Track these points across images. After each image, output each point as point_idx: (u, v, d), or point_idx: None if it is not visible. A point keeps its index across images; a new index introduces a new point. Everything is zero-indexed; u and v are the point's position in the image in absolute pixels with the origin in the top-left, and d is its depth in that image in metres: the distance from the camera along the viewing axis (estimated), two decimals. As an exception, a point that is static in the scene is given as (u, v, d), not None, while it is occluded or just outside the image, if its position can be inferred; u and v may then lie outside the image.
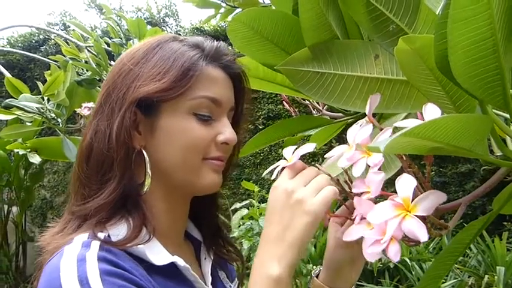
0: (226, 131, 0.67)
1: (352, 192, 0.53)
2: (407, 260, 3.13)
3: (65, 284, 0.53)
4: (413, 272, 3.09)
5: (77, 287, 0.52)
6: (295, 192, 0.56)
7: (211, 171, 0.66)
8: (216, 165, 0.67)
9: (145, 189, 0.64)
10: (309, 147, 0.60)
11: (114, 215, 0.62)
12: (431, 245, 3.40)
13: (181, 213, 0.72)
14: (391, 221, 0.43)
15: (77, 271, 0.54)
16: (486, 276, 2.86)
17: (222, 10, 2.13)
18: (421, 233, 0.41)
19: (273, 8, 0.74)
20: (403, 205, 0.43)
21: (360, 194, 0.50)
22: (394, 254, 0.43)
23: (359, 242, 0.67)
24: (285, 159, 0.60)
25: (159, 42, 0.67)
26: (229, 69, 0.69)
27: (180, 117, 0.64)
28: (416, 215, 0.42)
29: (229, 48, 0.72)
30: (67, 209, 0.67)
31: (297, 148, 0.60)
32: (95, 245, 0.58)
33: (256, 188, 3.21)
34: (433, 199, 0.43)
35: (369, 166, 0.48)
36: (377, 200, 0.48)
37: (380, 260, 3.22)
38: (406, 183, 0.44)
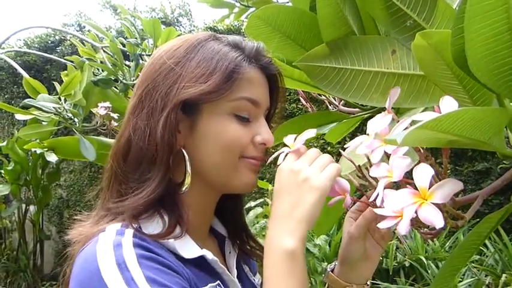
0: (263, 132, 0.67)
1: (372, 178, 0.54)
2: (423, 259, 3.10)
3: (103, 268, 0.54)
4: (429, 271, 3.06)
5: (116, 270, 0.54)
6: (302, 171, 0.59)
7: (248, 171, 0.67)
8: (253, 164, 0.67)
9: (184, 188, 0.64)
10: (310, 133, 0.63)
11: (147, 210, 0.63)
12: (448, 243, 3.37)
13: (211, 209, 0.73)
14: (408, 208, 0.44)
15: (114, 255, 0.55)
16: (504, 275, 2.82)
17: (235, 10, 2.14)
18: (437, 220, 0.42)
19: (291, 5, 0.74)
20: (420, 193, 0.44)
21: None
22: (404, 229, 0.44)
23: (372, 236, 0.69)
24: (286, 146, 0.64)
25: (199, 40, 0.67)
26: (267, 70, 0.69)
27: (220, 117, 0.65)
28: (433, 203, 0.43)
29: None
30: (100, 204, 0.67)
31: (298, 135, 0.63)
32: (129, 232, 0.59)
33: (270, 187, 3.20)
34: (449, 187, 0.44)
35: (386, 154, 0.49)
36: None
37: (395, 258, 3.20)
38: (424, 172, 0.44)
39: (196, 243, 0.65)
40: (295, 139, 0.64)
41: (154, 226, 0.62)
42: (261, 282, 0.77)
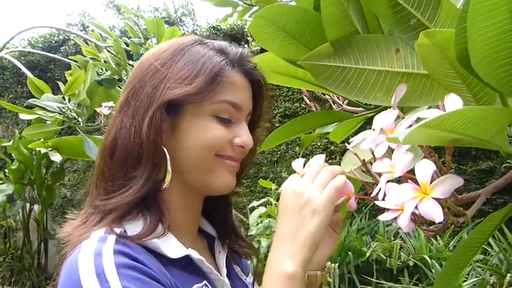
0: (243, 135, 0.69)
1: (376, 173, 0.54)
2: (427, 258, 3.09)
3: (83, 278, 0.55)
4: (433, 270, 3.06)
5: (95, 280, 0.55)
6: (305, 192, 0.60)
7: (225, 171, 0.69)
8: (230, 165, 0.69)
9: (165, 185, 0.66)
10: (320, 159, 0.64)
11: (132, 209, 0.64)
12: (452, 243, 3.36)
13: (196, 209, 0.74)
14: (409, 202, 0.44)
15: (94, 265, 0.56)
16: (508, 274, 2.81)
17: (239, 8, 2.14)
18: (437, 214, 0.43)
19: (294, 4, 0.75)
20: (422, 188, 0.45)
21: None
22: (404, 222, 0.45)
23: None
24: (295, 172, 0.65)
25: (185, 44, 0.69)
26: (251, 76, 0.71)
27: (202, 118, 0.66)
28: (434, 198, 0.44)
29: (250, 52, 0.74)
30: (88, 202, 0.69)
31: (306, 161, 0.65)
32: (111, 239, 0.60)
33: (274, 186, 3.22)
34: (450, 182, 0.44)
35: (391, 149, 0.50)
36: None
37: (399, 257, 3.20)
38: (425, 168, 0.45)
39: (182, 243, 0.66)
40: (304, 165, 0.65)
41: (138, 227, 0.63)
42: (253, 281, 0.79)
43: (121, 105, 0.68)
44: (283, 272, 0.58)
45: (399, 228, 0.46)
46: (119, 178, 0.65)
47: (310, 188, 0.60)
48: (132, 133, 0.65)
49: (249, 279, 0.80)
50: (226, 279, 0.72)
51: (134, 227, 0.63)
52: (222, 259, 0.76)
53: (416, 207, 0.44)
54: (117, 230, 0.61)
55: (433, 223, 0.46)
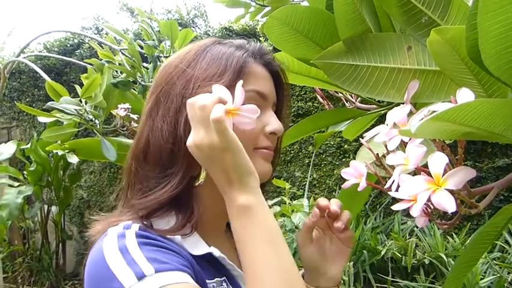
0: (273, 122, 0.70)
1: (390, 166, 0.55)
2: (443, 256, 3.08)
3: (107, 255, 0.58)
4: (449, 268, 3.04)
5: (118, 254, 0.58)
6: (202, 143, 0.59)
7: (261, 160, 0.70)
8: (266, 153, 0.70)
9: (199, 182, 0.67)
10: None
11: (165, 205, 0.66)
12: (468, 241, 3.34)
13: (225, 206, 0.75)
14: (422, 194, 0.45)
15: (118, 243, 0.59)
16: (525, 272, 2.79)
17: (251, 9, 2.15)
18: (450, 205, 0.43)
19: (307, 4, 0.76)
20: (434, 180, 0.46)
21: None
22: (417, 212, 0.46)
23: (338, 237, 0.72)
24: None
25: (206, 45, 0.71)
26: (271, 67, 0.73)
27: None
28: (446, 189, 0.45)
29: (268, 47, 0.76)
30: (121, 204, 0.70)
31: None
32: (135, 225, 0.63)
33: (287, 185, 3.23)
34: (462, 174, 0.45)
35: (404, 143, 0.51)
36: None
37: (414, 256, 3.19)
38: (438, 160, 0.46)
39: (207, 239, 0.68)
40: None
41: (165, 223, 0.65)
42: None
43: (150, 107, 0.70)
44: (239, 205, 0.59)
45: (414, 226, 0.47)
46: (153, 177, 0.67)
47: (203, 135, 0.59)
48: (165, 133, 0.66)
49: None
50: None
51: (161, 223, 0.65)
52: None
53: (429, 199, 0.45)
54: (144, 222, 0.64)
55: (447, 216, 0.47)
